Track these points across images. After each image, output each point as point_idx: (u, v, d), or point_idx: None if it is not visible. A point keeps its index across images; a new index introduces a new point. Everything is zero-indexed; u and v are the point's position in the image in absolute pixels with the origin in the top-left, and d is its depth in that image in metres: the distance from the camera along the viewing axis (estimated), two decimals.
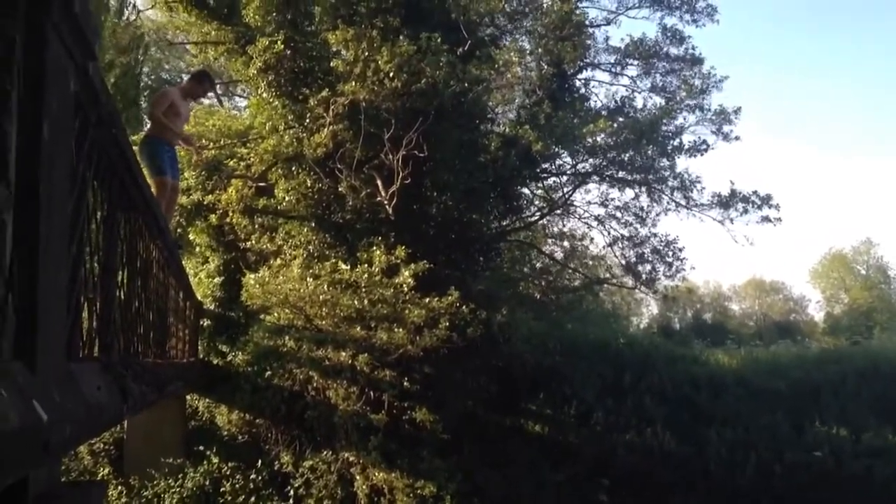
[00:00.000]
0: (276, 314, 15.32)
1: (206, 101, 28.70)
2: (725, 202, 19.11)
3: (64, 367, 3.38)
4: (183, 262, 13.45)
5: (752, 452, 15.91)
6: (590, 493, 14.96)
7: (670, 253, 20.26)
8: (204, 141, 16.99)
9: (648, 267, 20.47)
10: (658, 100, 20.19)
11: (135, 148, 7.21)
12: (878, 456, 15.88)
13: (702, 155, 19.03)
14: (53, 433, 2.73)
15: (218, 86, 28.84)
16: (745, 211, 18.88)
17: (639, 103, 20.24)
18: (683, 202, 19.62)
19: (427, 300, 14.16)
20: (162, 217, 8.37)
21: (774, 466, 15.58)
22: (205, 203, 17.06)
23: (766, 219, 18.74)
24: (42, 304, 2.81)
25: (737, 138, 19.94)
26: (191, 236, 17.87)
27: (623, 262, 21.53)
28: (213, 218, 17.23)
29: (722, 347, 23.01)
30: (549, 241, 24.94)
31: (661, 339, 25.09)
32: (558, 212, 22.55)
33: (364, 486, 14.17)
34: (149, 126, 9.35)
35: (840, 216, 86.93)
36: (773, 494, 15.20)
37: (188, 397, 15.85)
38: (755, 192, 18.91)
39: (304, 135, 15.28)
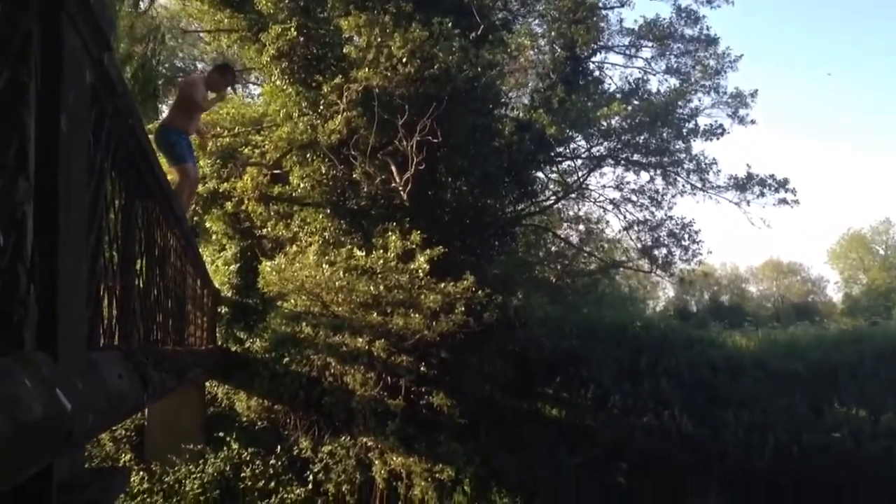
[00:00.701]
0: (292, 301, 15.40)
1: None
2: (742, 185, 18.99)
3: (85, 356, 3.42)
4: (200, 250, 13.54)
5: (770, 434, 15.85)
6: (607, 476, 15.00)
7: (686, 236, 20.18)
8: (218, 129, 17.05)
9: (664, 250, 20.40)
10: (673, 82, 20.08)
11: (150, 136, 7.24)
12: None
13: (718, 139, 18.92)
14: (76, 422, 2.77)
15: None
16: (762, 194, 18.77)
17: (653, 86, 20.13)
18: (699, 185, 19.51)
19: (443, 285, 14.19)
20: (178, 205, 8.42)
21: (792, 448, 15.53)
22: (220, 191, 17.14)
23: (783, 201, 18.63)
24: (63, 295, 2.84)
25: (753, 122, 19.81)
26: (207, 224, 17.96)
27: (639, 245, 21.47)
28: (228, 206, 17.31)
29: (739, 329, 22.89)
30: (565, 224, 24.88)
31: (677, 322, 25.04)
32: (573, 195, 22.50)
33: (382, 471, 14.28)
34: (165, 115, 9.28)
35: (859, 196, 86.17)
36: (791, 476, 15.16)
37: (207, 384, 16.00)
38: (772, 176, 18.80)
39: (318, 122, 15.29)
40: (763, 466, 15.41)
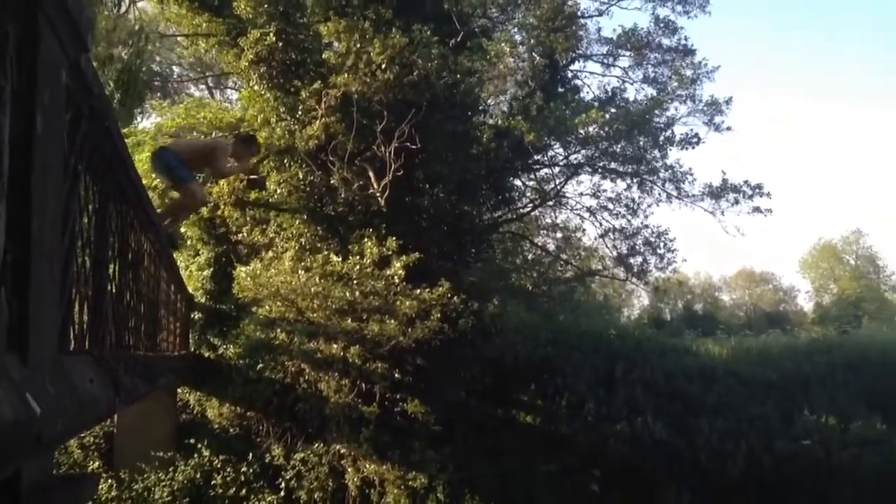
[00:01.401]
0: (267, 307, 15.30)
1: (196, 94, 28.66)
2: (717, 193, 19.19)
3: (56, 360, 3.38)
4: (174, 255, 13.43)
5: (743, 442, 15.97)
6: (581, 484, 15.04)
7: (661, 244, 20.35)
8: (195, 133, 16.92)
9: (640, 258, 20.56)
10: (650, 91, 20.27)
11: (126, 140, 7.16)
12: (866, 445, 15.98)
13: (693, 148, 19.10)
14: (46, 426, 2.73)
15: (209, 78, 28.79)
16: (737, 201, 18.98)
17: (630, 94, 20.33)
18: (675, 193, 19.68)
19: (418, 292, 14.18)
20: (153, 209, 8.35)
21: (764, 456, 15.65)
22: None
23: (756, 209, 18.85)
24: (34, 297, 2.81)
25: (728, 129, 20.02)
26: (181, 229, 17.77)
27: (615, 253, 21.60)
28: (204, 210, 17.18)
29: (712, 337, 23.12)
30: (542, 232, 25.02)
31: (652, 331, 25.21)
32: (550, 203, 22.62)
33: (355, 479, 14.21)
34: (177, 144, 9.29)
35: (830, 207, 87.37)
36: (762, 484, 15.28)
37: (179, 390, 15.84)
38: (746, 182, 19.01)
39: (296, 127, 15.23)
40: (735, 474, 15.52)
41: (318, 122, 14.82)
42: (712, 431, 16.32)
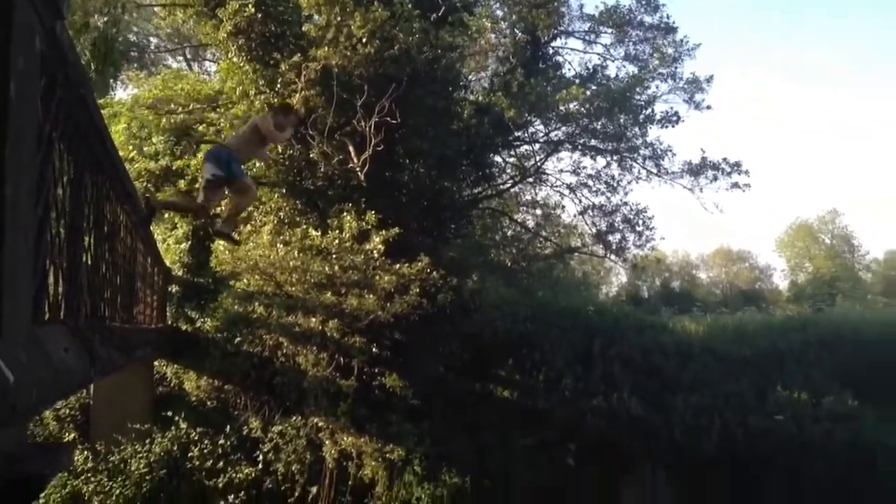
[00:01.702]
0: (245, 280, 15.26)
1: (174, 65, 28.24)
2: (696, 170, 19.30)
3: (30, 330, 3.36)
4: (151, 228, 13.33)
5: (717, 418, 16.18)
6: (558, 458, 15.20)
7: (640, 222, 20.46)
8: (172, 105, 16.73)
9: (618, 236, 20.67)
10: (631, 68, 20.27)
11: (101, 109, 7.05)
12: (837, 421, 16.25)
13: (673, 126, 19.16)
14: (20, 395, 2.72)
15: (187, 50, 28.37)
16: (715, 178, 19.12)
17: (612, 72, 20.31)
18: (654, 170, 19.77)
19: (398, 266, 14.20)
20: (130, 181, 8.26)
21: (737, 431, 15.88)
22: (174, 168, 16.87)
23: (735, 185, 19.01)
24: (8, 267, 2.78)
25: (708, 107, 20.12)
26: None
27: (594, 230, 21.69)
28: (182, 183, 17.03)
29: (689, 315, 23.31)
30: (521, 209, 25.04)
31: (630, 308, 25.38)
32: (530, 180, 22.63)
33: (333, 451, 14.29)
34: (229, 140, 9.07)
35: (807, 187, 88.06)
36: (736, 459, 15.51)
37: (156, 363, 15.79)
38: (725, 160, 19.14)
39: (276, 100, 15.07)
40: (709, 449, 15.73)
41: (297, 95, 14.68)
42: (687, 408, 16.51)
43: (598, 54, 20.58)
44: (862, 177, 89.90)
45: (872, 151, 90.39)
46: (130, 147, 17.13)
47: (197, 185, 15.01)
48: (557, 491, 14.70)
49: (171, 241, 18.25)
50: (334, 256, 14.13)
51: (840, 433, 16.01)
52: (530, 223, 24.84)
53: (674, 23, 19.84)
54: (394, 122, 14.27)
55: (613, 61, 20.52)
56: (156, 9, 20.77)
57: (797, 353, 18.82)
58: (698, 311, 25.86)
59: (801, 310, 26.70)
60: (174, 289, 17.48)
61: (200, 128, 16.84)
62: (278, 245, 14.22)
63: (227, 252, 14.59)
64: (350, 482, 14.26)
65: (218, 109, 16.74)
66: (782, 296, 45.80)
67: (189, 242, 17.84)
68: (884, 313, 25.20)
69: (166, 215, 18.05)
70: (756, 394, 17.05)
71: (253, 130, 9.14)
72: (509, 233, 24.88)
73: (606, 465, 15.35)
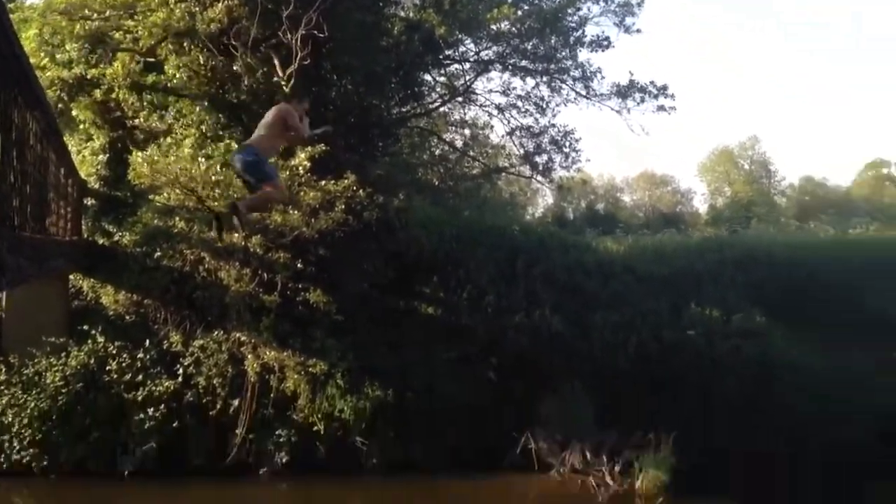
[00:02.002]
0: (165, 194, 14.89)
1: None
2: (624, 92, 19.52)
3: None
4: (64, 139, 12.84)
5: (634, 335, 16.71)
6: (480, 372, 15.54)
7: (567, 144, 20.71)
8: (87, 11, 15.88)
9: (545, 157, 20.91)
10: None
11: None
12: (745, 337, 16.95)
13: (603, 50, 19.24)
14: None
15: None
16: (642, 100, 19.38)
17: None
18: (583, 92, 19.91)
19: (323, 183, 14.10)
20: (41, 89, 7.88)
21: (652, 346, 16.48)
22: (88, 77, 16.15)
23: (661, 108, 19.37)
24: None
25: (638, 31, 20.23)
26: (74, 112, 16.90)
27: (521, 151, 21.86)
28: (97, 93, 16.37)
29: (612, 236, 23.80)
30: (450, 128, 25.01)
31: (554, 228, 25.73)
32: (459, 99, 22.54)
33: (255, 365, 14.33)
34: (253, 138, 8.17)
35: (731, 115, 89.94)
36: (650, 375, 16.09)
37: (71, 276, 15.42)
38: (652, 83, 19.39)
39: (197, 9, 14.50)
40: (626, 365, 16.28)
41: (220, 4, 14.17)
42: (607, 325, 16.98)
43: None
44: (782, 106, 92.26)
45: (793, 82, 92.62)
46: (42, 54, 16.25)
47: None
48: (479, 404, 15.09)
49: (86, 153, 17.61)
50: None
51: (748, 349, 16.72)
52: (458, 143, 24.86)
53: None
54: (321, 35, 13.88)
55: None
56: None
57: (713, 274, 19.46)
58: (621, 232, 26.43)
59: (718, 232, 27.53)
60: (90, 202, 16.98)
61: (117, 35, 16.03)
62: (200, 159, 13.86)
63: (145, 165, 14.16)
64: (272, 395, 14.36)
65: (136, 17, 15.92)
66: (701, 219, 47.24)
67: (106, 155, 17.23)
68: (795, 236, 26.19)
69: (80, 126, 17.36)
70: (671, 311, 17.62)
71: (277, 123, 8.38)
72: (437, 152, 24.86)
73: (527, 380, 15.75)
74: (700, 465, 13.62)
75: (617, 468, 14.20)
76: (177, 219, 15.10)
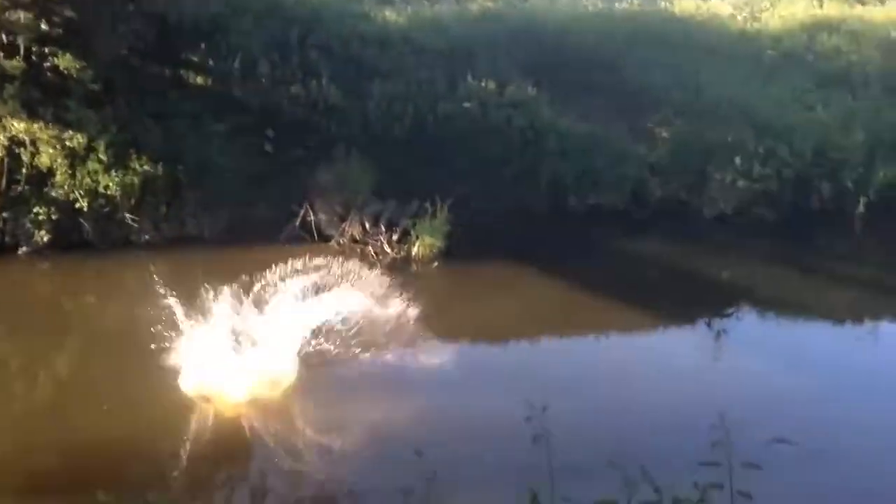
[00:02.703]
0: None
1: None
2: None
3: None
4: None
5: (410, 106, 16.86)
6: (254, 143, 15.18)
7: None
8: None
9: None
10: None
11: None
12: (516, 107, 17.54)
13: None
14: None
15: None
16: None
17: None
18: None
19: None
20: None
21: (428, 116, 16.76)
22: None
23: None
24: None
25: None
26: None
27: None
28: None
29: (390, 6, 23.11)
30: None
31: None
32: None
33: (2, 138, 13.12)
34: None
35: None
36: (426, 142, 16.49)
37: None
38: None
39: None
40: (402, 134, 16.52)
41: None
42: (383, 95, 16.96)
43: None
44: None
45: None
46: None
47: None
48: (255, 176, 14.87)
49: None
50: None
51: (518, 119, 17.42)
52: None
53: None
54: None
55: None
56: None
57: (489, 46, 19.67)
58: (400, 2, 25.69)
59: (496, 4, 27.52)
60: None
61: None
62: None
63: None
64: (25, 170, 13.30)
65: None
66: None
67: None
68: (566, 9, 26.69)
69: None
70: (447, 82, 17.82)
71: None
72: None
73: (304, 152, 15.64)
74: (472, 228, 14.52)
75: (395, 237, 14.72)
76: None
